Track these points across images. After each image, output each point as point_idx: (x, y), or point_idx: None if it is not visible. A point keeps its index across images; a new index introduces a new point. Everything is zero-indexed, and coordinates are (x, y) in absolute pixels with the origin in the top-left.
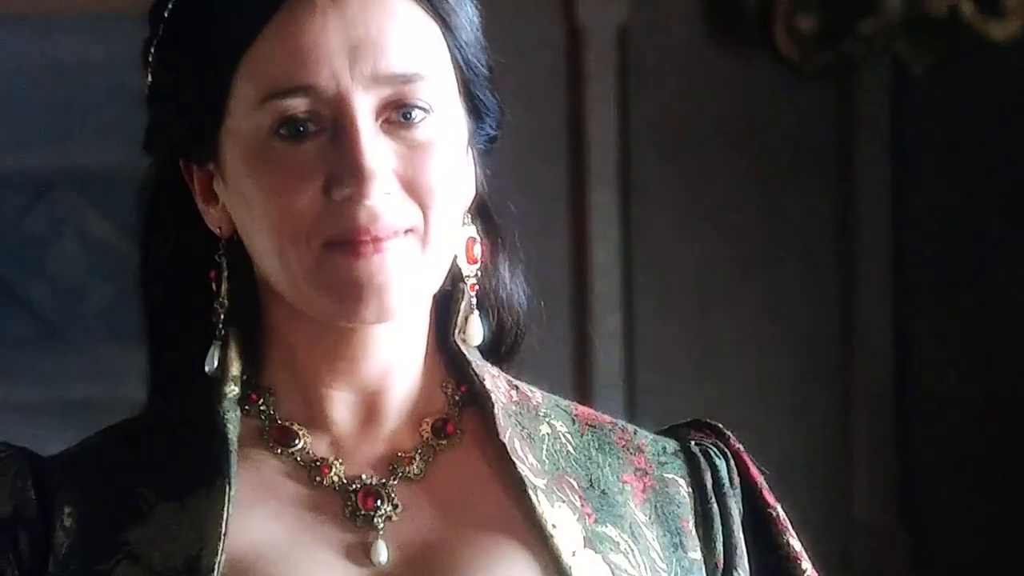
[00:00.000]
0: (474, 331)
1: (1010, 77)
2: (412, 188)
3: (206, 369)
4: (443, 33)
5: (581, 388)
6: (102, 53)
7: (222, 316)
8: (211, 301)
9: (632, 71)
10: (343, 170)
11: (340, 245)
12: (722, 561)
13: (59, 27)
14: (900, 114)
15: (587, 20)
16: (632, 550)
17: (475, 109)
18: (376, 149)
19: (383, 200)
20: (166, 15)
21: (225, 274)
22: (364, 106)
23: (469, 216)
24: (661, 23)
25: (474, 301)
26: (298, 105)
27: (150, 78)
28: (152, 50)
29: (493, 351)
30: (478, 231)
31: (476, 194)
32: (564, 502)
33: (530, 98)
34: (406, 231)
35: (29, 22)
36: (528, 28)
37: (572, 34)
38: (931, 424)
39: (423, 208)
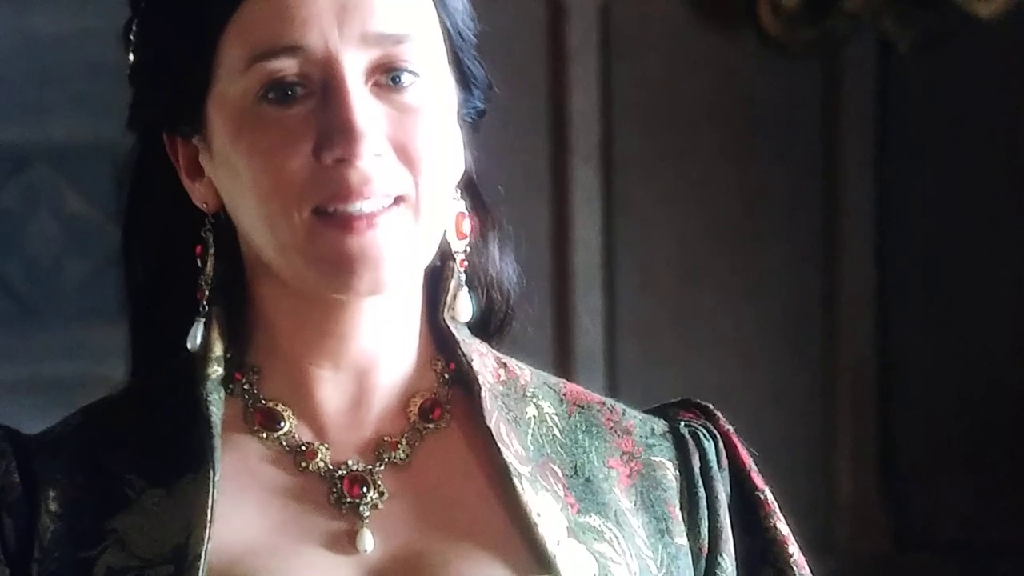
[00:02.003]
0: (462, 307)
1: (995, 54)
2: (403, 151)
3: (188, 346)
4: None
5: (562, 365)
6: (79, 26)
7: (207, 293)
8: (195, 279)
9: (614, 47)
10: (333, 131)
11: (331, 217)
12: (707, 546)
13: (35, 0)
14: (885, 91)
15: None
16: (617, 538)
17: (463, 78)
18: (366, 110)
19: (374, 162)
20: None
21: (211, 251)
22: (353, 67)
23: (459, 191)
24: None
25: (463, 277)
26: (287, 66)
27: (132, 56)
28: (134, 27)
29: (482, 329)
30: (467, 207)
31: (464, 170)
32: (548, 491)
33: (512, 74)
34: (397, 198)
35: None
36: (510, 4)
37: (554, 10)
38: (913, 405)
39: (414, 173)
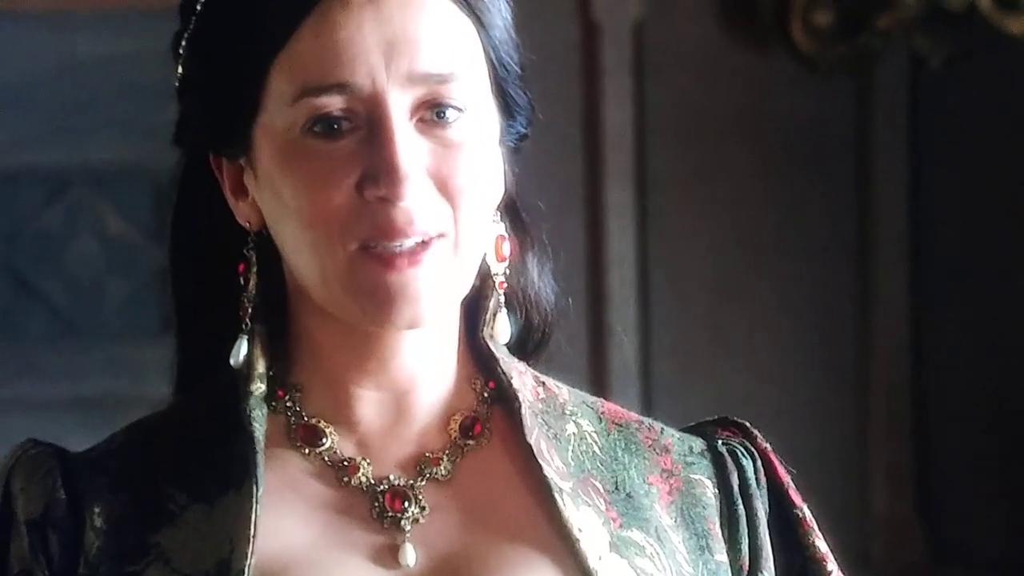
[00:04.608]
0: (502, 330)
1: None
2: (445, 188)
3: (231, 362)
4: (477, 30)
5: (598, 382)
6: (118, 49)
7: (249, 311)
8: (238, 295)
9: (648, 66)
10: (377, 169)
11: (375, 254)
12: (747, 563)
13: (76, 24)
14: (917, 108)
15: (603, 16)
16: (658, 554)
17: (507, 107)
18: (410, 149)
19: (416, 200)
20: (199, 8)
21: (254, 268)
22: (399, 105)
23: (498, 214)
24: (677, 18)
25: (502, 299)
26: (334, 103)
27: (181, 71)
28: (183, 43)
29: (520, 348)
30: (507, 229)
31: (505, 191)
32: (589, 506)
33: (546, 93)
34: (438, 235)
35: (46, 19)
36: (544, 24)
37: (588, 30)
38: (948, 417)
39: (455, 208)
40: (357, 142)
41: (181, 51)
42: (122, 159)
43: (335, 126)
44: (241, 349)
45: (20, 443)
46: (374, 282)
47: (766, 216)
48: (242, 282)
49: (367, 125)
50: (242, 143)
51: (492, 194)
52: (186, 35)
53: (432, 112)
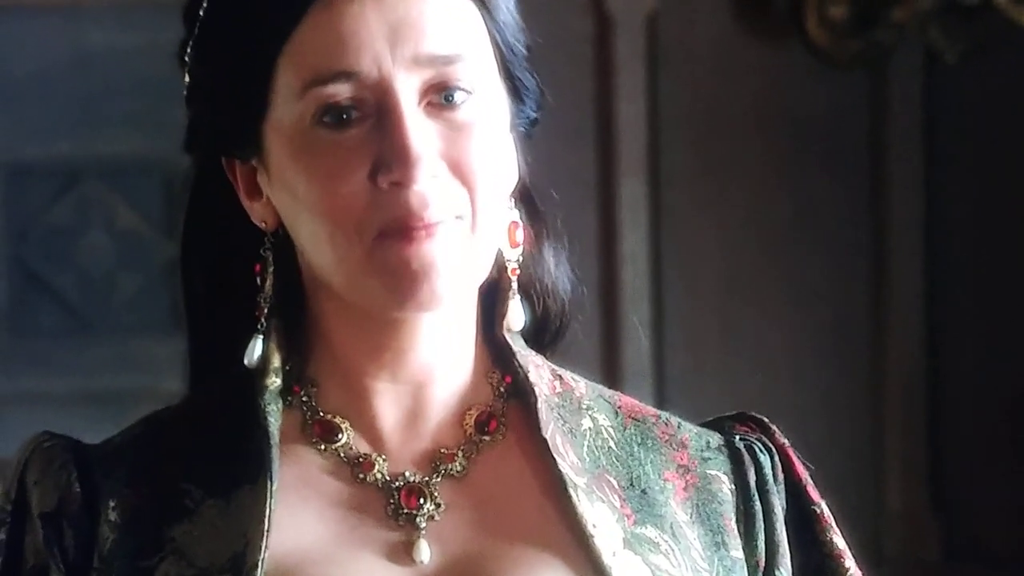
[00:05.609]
0: (514, 317)
1: None
2: (458, 169)
3: (246, 362)
4: (481, 14)
5: (610, 377)
6: (129, 42)
7: (265, 311)
8: (254, 292)
9: (661, 59)
10: (390, 155)
11: (393, 233)
12: (763, 559)
13: (87, 17)
14: (932, 102)
15: (616, 8)
16: (673, 550)
17: (515, 90)
18: (421, 132)
19: (430, 184)
20: (201, 13)
21: (270, 269)
22: (407, 89)
23: (513, 201)
24: (691, 11)
25: (515, 285)
26: (341, 91)
27: (188, 78)
28: (189, 49)
29: (537, 338)
30: (521, 217)
31: (519, 179)
32: (604, 502)
33: (559, 87)
34: (456, 217)
35: (57, 12)
36: (557, 17)
37: (601, 22)
38: (963, 412)
39: (469, 190)
40: (367, 131)
41: (187, 59)
42: (133, 153)
43: (344, 115)
44: (256, 349)
45: (35, 436)
46: (394, 260)
47: (779, 211)
48: (258, 282)
49: (376, 113)
50: (253, 143)
51: (505, 177)
52: (191, 42)
53: (440, 95)
